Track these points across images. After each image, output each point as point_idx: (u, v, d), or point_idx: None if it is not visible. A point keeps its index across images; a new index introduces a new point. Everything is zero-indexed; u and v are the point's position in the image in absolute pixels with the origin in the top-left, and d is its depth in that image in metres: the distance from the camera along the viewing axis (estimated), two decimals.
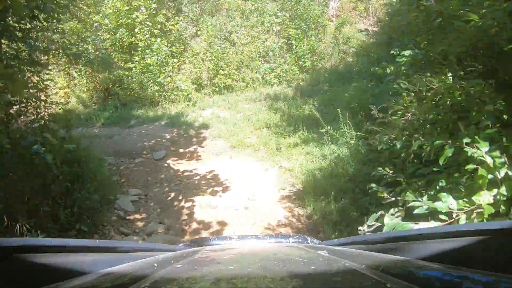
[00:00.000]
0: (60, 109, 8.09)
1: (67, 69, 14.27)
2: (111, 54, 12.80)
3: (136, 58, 11.96)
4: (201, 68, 12.08)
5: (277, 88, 11.55)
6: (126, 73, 12.24)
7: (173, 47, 12.98)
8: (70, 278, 0.66)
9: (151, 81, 11.39)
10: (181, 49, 13.34)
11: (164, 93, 11.43)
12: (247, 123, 8.73)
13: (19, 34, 4.28)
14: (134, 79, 11.79)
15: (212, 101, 10.91)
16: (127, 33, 12.46)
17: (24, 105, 4.97)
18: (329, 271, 0.70)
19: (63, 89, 13.89)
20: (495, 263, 0.64)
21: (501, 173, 2.05)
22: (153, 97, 11.58)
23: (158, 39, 11.86)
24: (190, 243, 1.30)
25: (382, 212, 2.56)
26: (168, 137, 8.40)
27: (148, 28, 12.34)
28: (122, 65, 12.73)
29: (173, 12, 14.15)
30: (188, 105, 10.97)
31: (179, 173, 6.38)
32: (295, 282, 0.61)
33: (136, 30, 12.33)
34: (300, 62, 12.80)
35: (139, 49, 12.20)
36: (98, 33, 13.25)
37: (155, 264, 0.77)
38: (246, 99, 10.64)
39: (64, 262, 0.73)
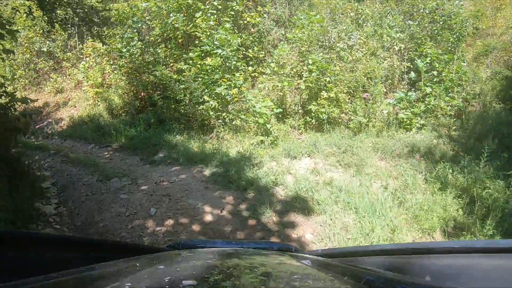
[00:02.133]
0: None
1: (104, 63, 10.55)
2: (158, 47, 8.66)
3: (192, 54, 7.68)
4: (289, 84, 7.46)
5: (419, 136, 6.56)
6: (174, 76, 8.02)
7: (249, 50, 8.63)
8: (48, 273, 0.62)
9: (207, 91, 6.99)
10: (261, 56, 8.94)
11: (225, 114, 6.95)
12: (401, 212, 3.89)
13: None
14: (183, 86, 7.50)
15: (308, 142, 6.19)
16: (184, 18, 8.31)
17: None
18: (309, 282, 0.68)
19: (94, 88, 10.10)
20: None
21: None
22: (207, 118, 7.16)
23: (227, 25, 7.48)
24: (175, 245, 1.20)
25: None
26: (209, 218, 3.83)
27: (215, 15, 8.12)
28: (171, 64, 8.55)
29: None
30: (262, 142, 6.30)
31: None
32: None
33: (198, 15, 8.14)
34: (447, 97, 7.76)
35: (198, 43, 7.97)
36: (146, 17, 9.28)
37: (138, 264, 0.76)
38: (374, 149, 5.79)
39: (48, 257, 0.77)
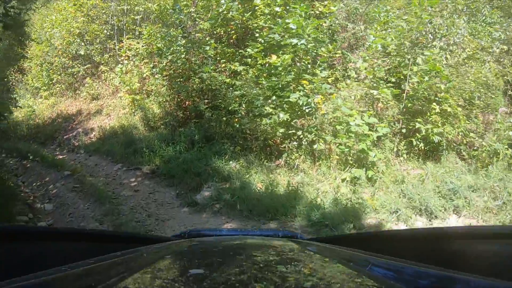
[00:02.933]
0: None
1: (143, 65, 8.97)
2: (206, 43, 6.82)
3: (251, 51, 5.77)
4: (392, 92, 5.34)
5: None
6: (227, 80, 6.14)
7: (322, 49, 6.57)
8: (58, 266, 0.62)
9: (275, 99, 4.99)
10: (337, 55, 6.84)
11: (301, 132, 4.86)
12: None
13: None
14: (239, 93, 5.59)
15: (433, 183, 3.95)
16: (239, 7, 6.44)
17: None
18: (316, 268, 0.66)
19: (131, 95, 8.51)
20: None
21: None
22: (271, 136, 5.15)
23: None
24: (182, 234, 1.19)
25: None
26: None
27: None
28: (222, 65, 6.68)
29: None
30: (357, 178, 4.14)
31: None
32: (278, 278, 0.56)
33: (258, 1, 6.23)
34: None
35: (259, 36, 6.06)
36: (192, 10, 7.53)
37: (145, 254, 0.77)
38: None
39: (57, 250, 0.78)
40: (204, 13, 7.31)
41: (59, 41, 11.55)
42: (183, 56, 6.96)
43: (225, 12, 6.44)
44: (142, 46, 9.08)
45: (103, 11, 10.93)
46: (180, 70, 7.01)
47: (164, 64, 7.57)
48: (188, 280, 0.55)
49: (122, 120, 8.25)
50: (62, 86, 11.62)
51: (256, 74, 5.88)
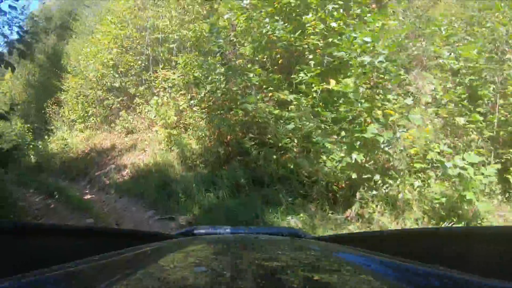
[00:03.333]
0: None
1: (179, 97, 8.35)
2: (249, 70, 6.02)
3: (305, 75, 4.91)
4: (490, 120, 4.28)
5: None
6: (275, 111, 5.29)
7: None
8: (64, 262, 0.62)
9: (343, 135, 4.04)
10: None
11: (380, 176, 3.80)
12: None
13: None
14: (291, 127, 4.71)
15: None
16: (287, 25, 5.63)
17: None
18: (320, 267, 0.66)
19: (168, 129, 7.87)
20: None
21: None
22: (336, 180, 4.15)
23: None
24: (185, 232, 1.19)
25: None
26: None
27: (338, 10, 5.29)
28: (269, 94, 5.85)
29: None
30: None
31: None
32: (283, 276, 0.56)
33: (308, 17, 5.40)
34: None
35: (310, 59, 5.21)
36: (231, 34, 6.86)
37: (149, 251, 0.77)
38: None
39: (60, 246, 0.78)
40: (244, 37, 6.57)
41: (93, 73, 11.27)
42: (222, 85, 6.21)
43: (269, 32, 5.63)
44: (178, 76, 8.48)
45: (137, 41, 10.54)
46: (220, 101, 6.24)
47: (203, 95, 6.86)
48: (192, 277, 0.55)
49: (157, 157, 7.55)
50: (97, 119, 11.24)
51: (312, 103, 5.00)
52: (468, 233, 0.88)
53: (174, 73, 8.77)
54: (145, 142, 9.02)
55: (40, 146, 12.02)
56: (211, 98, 6.52)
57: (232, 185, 4.95)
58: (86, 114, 11.66)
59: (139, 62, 10.40)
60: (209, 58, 6.89)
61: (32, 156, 12.26)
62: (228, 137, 6.13)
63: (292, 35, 5.61)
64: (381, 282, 0.55)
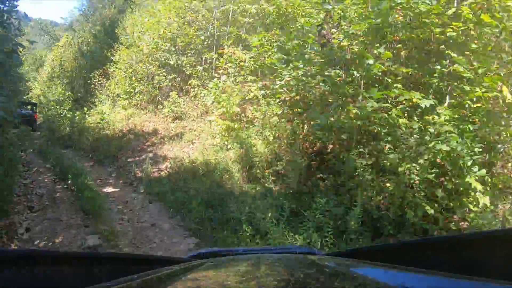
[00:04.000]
0: None
1: (249, 82, 6.73)
2: (366, 55, 4.16)
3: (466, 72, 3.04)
4: None
5: None
6: (402, 121, 3.41)
7: None
8: None
9: None
10: None
11: None
12: None
13: None
14: (447, 148, 2.82)
15: None
16: None
17: None
18: (333, 285, 0.65)
19: (227, 120, 6.28)
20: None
21: None
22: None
23: None
24: (198, 254, 1.15)
25: None
26: None
27: None
28: (391, 94, 3.97)
29: None
30: None
31: None
32: None
33: None
34: None
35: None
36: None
37: (162, 276, 0.74)
38: None
39: (72, 274, 0.77)
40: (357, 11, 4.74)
41: (147, 45, 9.88)
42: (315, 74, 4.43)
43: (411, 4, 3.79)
44: (250, 58, 6.82)
45: (203, 15, 9.00)
46: (315, 95, 4.46)
47: (283, 83, 5.11)
48: None
49: (208, 154, 5.89)
50: (144, 97, 9.81)
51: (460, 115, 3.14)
52: (487, 238, 0.79)
53: (245, 54, 7.13)
54: (194, 133, 7.42)
55: (76, 118, 10.74)
56: (298, 88, 4.75)
57: (318, 215, 3.13)
58: (132, 91, 10.29)
59: (202, 37, 8.85)
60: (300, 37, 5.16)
61: (66, 127, 10.99)
62: (317, 144, 4.33)
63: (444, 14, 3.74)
64: None
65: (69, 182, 5.53)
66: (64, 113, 11.49)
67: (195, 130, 7.57)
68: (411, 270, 0.67)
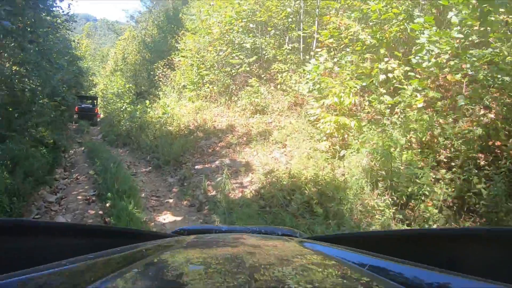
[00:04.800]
0: None
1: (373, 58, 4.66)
2: None
3: None
4: None
5: None
6: None
7: None
8: (59, 261, 0.60)
9: None
10: None
11: None
12: None
13: None
14: None
15: None
16: None
17: None
18: (315, 267, 0.65)
19: (340, 116, 4.27)
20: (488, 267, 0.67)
21: None
22: None
23: None
24: (180, 231, 1.18)
25: None
26: None
27: None
28: None
29: None
30: None
31: None
32: (277, 276, 0.55)
33: None
34: None
35: None
36: None
37: (144, 250, 0.75)
38: None
39: (56, 244, 0.78)
40: None
41: (217, 27, 8.17)
42: None
43: None
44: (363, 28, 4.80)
45: None
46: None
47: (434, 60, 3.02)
48: (187, 276, 0.55)
49: (314, 167, 3.95)
50: (214, 87, 8.11)
51: None
52: (465, 233, 0.83)
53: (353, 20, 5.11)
54: (283, 131, 5.53)
55: (137, 112, 9.33)
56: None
57: None
58: (200, 81, 8.67)
59: (289, 9, 6.94)
60: None
61: (126, 122, 9.55)
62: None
63: None
64: (376, 282, 0.54)
65: (107, 205, 3.86)
66: (124, 107, 10.19)
67: (283, 127, 5.69)
68: (391, 259, 0.66)
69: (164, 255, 0.70)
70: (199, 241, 0.92)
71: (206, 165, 5.29)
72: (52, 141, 5.76)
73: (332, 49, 5.76)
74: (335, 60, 5.33)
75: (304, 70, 5.68)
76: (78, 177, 5.48)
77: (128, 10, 43.92)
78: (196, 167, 5.39)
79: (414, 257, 0.68)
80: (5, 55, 4.80)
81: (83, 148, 8.02)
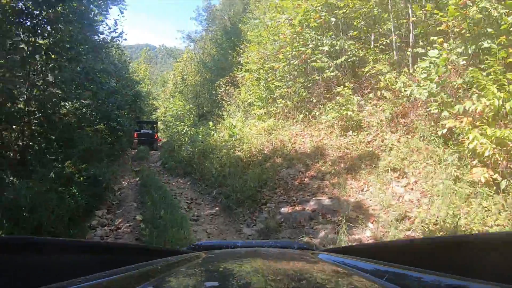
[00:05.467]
0: None
1: None
2: None
3: None
4: None
5: None
6: None
7: None
8: (73, 278, 0.59)
9: None
10: None
11: None
12: None
13: None
14: None
15: None
16: None
17: None
18: (333, 280, 0.63)
19: (488, 127, 2.54)
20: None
21: None
22: None
23: None
24: (195, 246, 1.14)
25: None
26: None
27: None
28: None
29: None
30: None
31: None
32: None
33: None
34: None
35: None
36: None
37: (159, 267, 0.73)
38: None
39: (69, 262, 0.77)
40: None
41: (289, 27, 6.89)
42: None
43: None
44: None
45: None
46: None
47: None
48: None
49: (472, 210, 2.41)
50: (288, 102, 6.79)
51: None
52: (474, 240, 0.80)
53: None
54: (393, 153, 4.01)
55: (199, 135, 8.24)
56: None
57: None
58: (269, 95, 7.42)
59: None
60: None
61: (188, 147, 8.43)
62: None
63: None
64: None
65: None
66: (185, 130, 9.22)
67: (390, 148, 4.17)
68: (408, 268, 0.65)
69: (180, 271, 0.69)
70: (215, 257, 0.89)
71: (297, 208, 3.89)
72: (89, 176, 4.74)
73: (453, 36, 4.24)
74: (459, 50, 3.79)
75: (418, 67, 4.18)
76: (120, 224, 4.29)
77: (184, 30, 44.82)
78: (282, 209, 4.00)
79: (430, 265, 0.66)
80: (34, 74, 3.92)
81: (137, 179, 7.04)
